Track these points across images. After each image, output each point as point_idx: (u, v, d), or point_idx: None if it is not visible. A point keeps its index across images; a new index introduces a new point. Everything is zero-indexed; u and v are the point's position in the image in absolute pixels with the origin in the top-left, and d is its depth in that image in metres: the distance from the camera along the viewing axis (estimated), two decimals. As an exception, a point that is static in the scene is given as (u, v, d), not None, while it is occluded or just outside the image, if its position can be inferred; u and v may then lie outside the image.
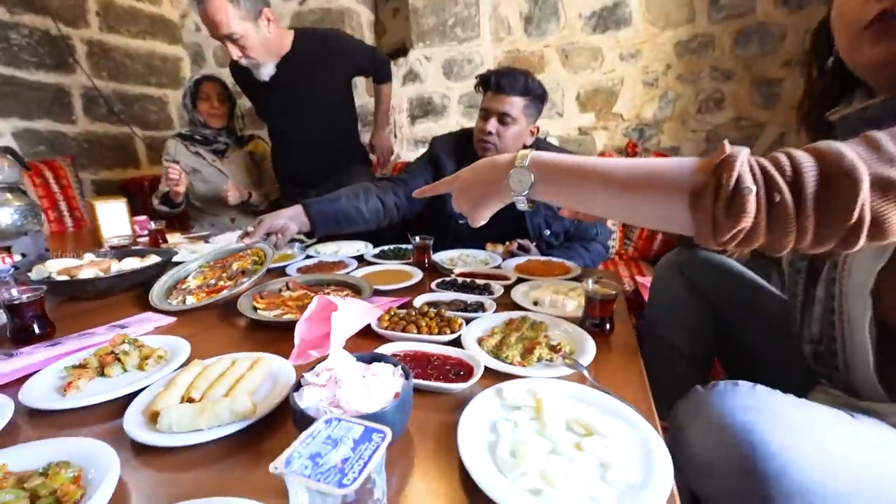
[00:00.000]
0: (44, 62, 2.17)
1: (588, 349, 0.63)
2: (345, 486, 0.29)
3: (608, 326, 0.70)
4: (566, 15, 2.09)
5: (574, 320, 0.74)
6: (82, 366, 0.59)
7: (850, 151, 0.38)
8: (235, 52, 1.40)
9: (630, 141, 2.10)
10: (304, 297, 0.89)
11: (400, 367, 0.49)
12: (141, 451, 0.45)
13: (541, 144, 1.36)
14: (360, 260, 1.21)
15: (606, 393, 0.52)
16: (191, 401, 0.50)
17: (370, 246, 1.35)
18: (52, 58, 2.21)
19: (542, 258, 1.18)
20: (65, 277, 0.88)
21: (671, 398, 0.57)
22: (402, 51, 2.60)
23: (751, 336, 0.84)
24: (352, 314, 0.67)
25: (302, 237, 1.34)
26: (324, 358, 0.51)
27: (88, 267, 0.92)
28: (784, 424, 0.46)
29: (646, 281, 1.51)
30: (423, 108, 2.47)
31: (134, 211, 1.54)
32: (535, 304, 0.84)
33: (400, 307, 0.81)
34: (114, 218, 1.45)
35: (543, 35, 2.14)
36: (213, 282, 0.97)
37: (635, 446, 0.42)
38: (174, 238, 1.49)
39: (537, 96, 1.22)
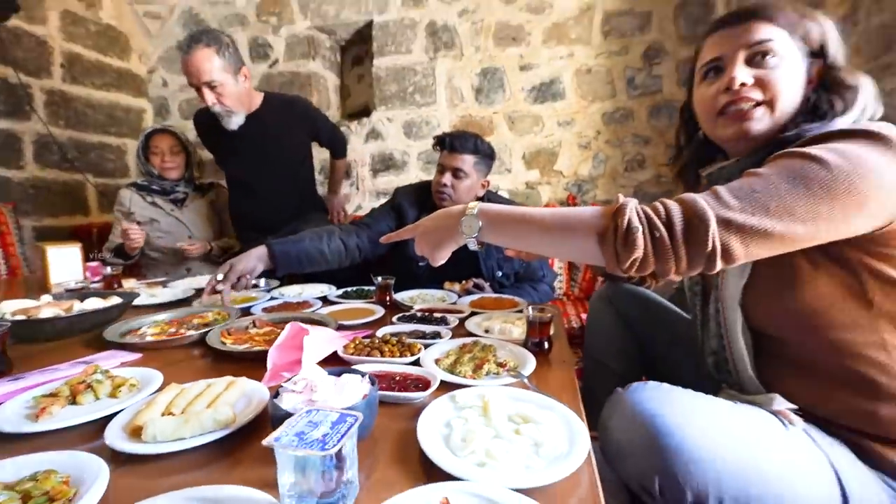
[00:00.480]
0: (-3, 108, 2.15)
1: (529, 363, 0.73)
2: (326, 450, 0.37)
3: (546, 345, 0.82)
4: (511, 88, 2.41)
5: (519, 343, 0.85)
6: (53, 395, 0.60)
7: (701, 200, 0.54)
8: (211, 99, 1.52)
9: (570, 194, 2.37)
10: (271, 333, 0.94)
11: (367, 376, 0.57)
12: (124, 462, 0.49)
13: (491, 196, 1.54)
14: (324, 301, 1.27)
15: (542, 394, 0.62)
16: (170, 416, 0.54)
17: (333, 288, 1.41)
18: (6, 105, 2.19)
19: (494, 295, 1.30)
20: (21, 317, 0.88)
21: None
22: (366, 112, 2.83)
23: (668, 355, 0.99)
24: (321, 341, 0.74)
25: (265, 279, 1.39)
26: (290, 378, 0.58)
27: (48, 307, 0.92)
28: (679, 410, 0.58)
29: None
30: (385, 163, 2.65)
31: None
32: (486, 331, 0.95)
33: (364, 337, 0.88)
34: (65, 263, 1.42)
35: (492, 104, 2.44)
36: (172, 330, 0.98)
37: (562, 429, 0.52)
38: (130, 283, 1.47)
39: (486, 155, 1.41)
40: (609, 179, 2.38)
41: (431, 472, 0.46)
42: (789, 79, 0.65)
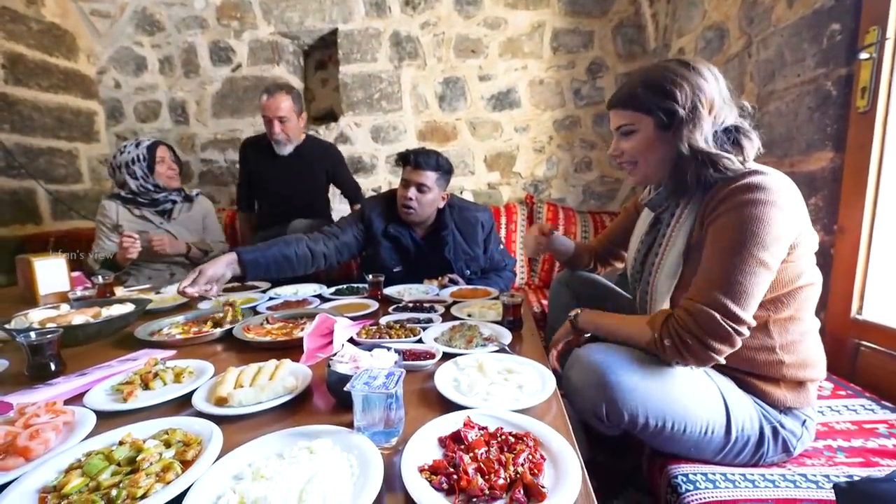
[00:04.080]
0: (-68, 115, 2.05)
1: (506, 336, 0.95)
2: (389, 390, 0.55)
3: (519, 323, 1.04)
4: (471, 96, 2.62)
5: (496, 322, 1.06)
6: (129, 382, 0.73)
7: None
8: (278, 128, 2.00)
9: (528, 194, 2.63)
10: (284, 328, 1.09)
11: (392, 349, 0.75)
12: (217, 422, 0.63)
13: (453, 200, 1.68)
14: (320, 298, 1.42)
15: (519, 356, 0.83)
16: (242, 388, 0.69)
17: (324, 286, 1.55)
18: (-57, 110, 2.09)
19: (469, 286, 1.51)
20: (52, 325, 0.96)
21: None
22: (332, 116, 2.92)
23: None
24: (343, 327, 0.91)
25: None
26: (333, 355, 0.74)
27: (75, 314, 1.00)
28: (618, 360, 0.81)
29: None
30: (354, 166, 2.77)
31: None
32: (469, 315, 1.15)
33: (370, 325, 1.05)
34: (52, 275, 1.45)
35: (455, 110, 2.64)
36: (195, 329, 1.08)
37: (536, 376, 0.74)
38: (120, 291, 1.52)
39: (446, 171, 1.55)
40: (562, 180, 2.67)
41: (449, 408, 0.65)
42: (643, 146, 0.87)
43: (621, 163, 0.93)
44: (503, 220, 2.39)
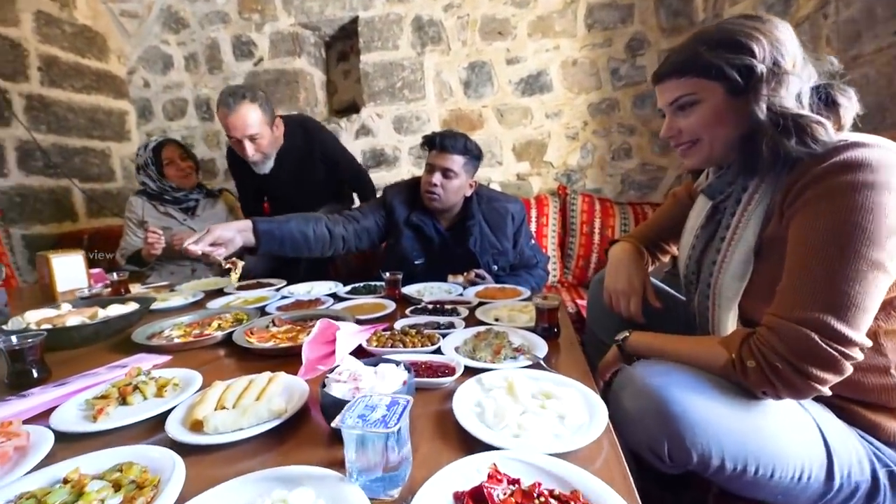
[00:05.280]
0: (-26, 116, 2.10)
1: (542, 347, 0.80)
2: (389, 428, 0.42)
3: (556, 330, 0.88)
4: (498, 81, 2.46)
5: (528, 329, 0.91)
6: (104, 397, 0.64)
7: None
8: (251, 150, 1.60)
9: (560, 185, 2.44)
10: (291, 331, 0.98)
11: (402, 364, 0.62)
12: (189, 452, 0.52)
13: (481, 190, 1.56)
14: (334, 297, 1.31)
15: (558, 373, 0.68)
16: (223, 409, 0.58)
17: (340, 285, 1.45)
18: (-16, 112, 2.14)
19: (497, 285, 1.36)
20: (47, 326, 0.90)
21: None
22: (354, 108, 2.83)
23: (662, 331, 1.06)
24: (349, 335, 0.79)
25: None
26: (334, 368, 0.62)
27: (72, 315, 0.94)
28: (682, 382, 0.65)
29: (584, 303, 1.74)
30: (376, 159, 2.67)
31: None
32: (496, 320, 1.01)
33: (383, 330, 0.93)
34: (70, 271, 1.42)
35: (481, 97, 2.48)
36: (197, 331, 1.01)
37: (581, 402, 0.59)
38: (135, 288, 1.48)
39: (474, 156, 1.42)
40: (597, 169, 2.46)
41: (471, 445, 0.52)
42: (709, 119, 0.70)
43: (678, 144, 0.76)
44: (534, 213, 2.22)
